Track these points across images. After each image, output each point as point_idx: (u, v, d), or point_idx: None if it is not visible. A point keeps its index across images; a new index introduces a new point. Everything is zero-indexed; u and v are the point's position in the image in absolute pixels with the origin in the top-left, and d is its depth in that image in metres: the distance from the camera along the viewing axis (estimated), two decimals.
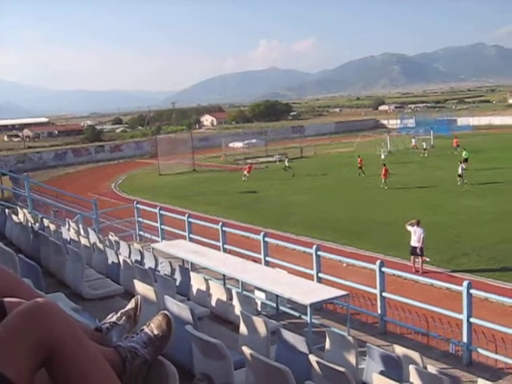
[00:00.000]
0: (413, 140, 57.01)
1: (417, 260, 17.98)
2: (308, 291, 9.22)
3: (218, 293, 8.50)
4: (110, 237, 13.82)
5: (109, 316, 2.48)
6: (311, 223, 25.83)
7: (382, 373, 5.35)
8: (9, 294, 2.08)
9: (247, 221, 26.57)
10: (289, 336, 5.43)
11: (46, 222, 11.89)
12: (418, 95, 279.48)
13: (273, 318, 9.07)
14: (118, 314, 2.46)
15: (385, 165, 35.07)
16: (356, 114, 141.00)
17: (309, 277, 11.32)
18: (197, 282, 8.93)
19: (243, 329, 5.65)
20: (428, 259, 18.38)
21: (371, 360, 6.16)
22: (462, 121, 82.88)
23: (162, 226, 16.98)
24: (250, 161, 51.14)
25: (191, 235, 15.55)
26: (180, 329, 3.86)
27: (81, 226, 13.90)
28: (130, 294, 6.70)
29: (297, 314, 10.34)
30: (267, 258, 12.90)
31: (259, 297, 10.66)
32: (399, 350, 6.68)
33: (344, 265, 17.07)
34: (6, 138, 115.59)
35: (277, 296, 9.73)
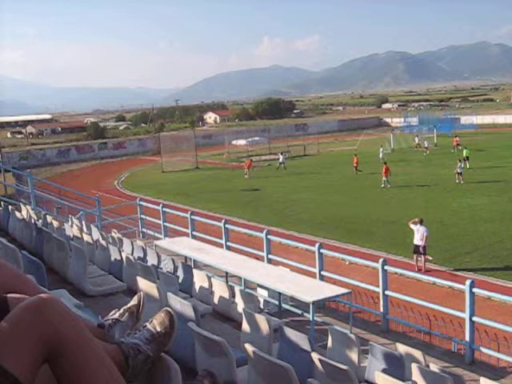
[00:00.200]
0: (416, 138, 57.00)
1: (419, 258, 17.96)
2: (310, 289, 9.22)
3: (220, 290, 8.51)
4: (113, 234, 13.83)
5: (111, 312, 2.48)
6: (314, 221, 25.82)
7: (384, 371, 5.34)
8: (12, 290, 2.08)
9: (250, 218, 26.58)
10: (291, 334, 5.42)
11: (49, 218, 11.90)
12: (421, 93, 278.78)
13: (275, 315, 9.06)
14: (121, 311, 2.46)
15: (385, 163, 35.05)
16: (359, 112, 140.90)
17: (311, 275, 11.33)
18: (199, 280, 8.94)
19: (246, 326, 5.65)
20: (431, 258, 18.36)
21: (373, 358, 6.15)
22: (465, 119, 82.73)
23: (165, 224, 17.00)
24: (246, 159, 50.75)
25: (194, 232, 15.56)
26: (183, 326, 3.86)
27: (84, 222, 13.92)
28: (132, 290, 6.72)
29: (299, 312, 10.34)
30: (270, 256, 12.90)
31: (262, 294, 10.65)
32: (402, 348, 6.68)
33: (347, 263, 17.07)
34: (9, 135, 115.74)
35: (279, 294, 9.72)
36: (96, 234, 11.60)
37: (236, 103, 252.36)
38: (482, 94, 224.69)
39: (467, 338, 9.12)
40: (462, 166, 34.23)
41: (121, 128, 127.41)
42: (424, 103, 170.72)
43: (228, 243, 14.27)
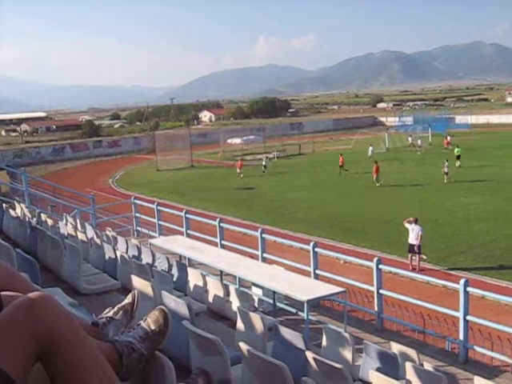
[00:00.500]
0: (409, 138, 57.18)
1: (414, 258, 18.01)
2: (305, 288, 9.22)
3: (215, 289, 8.50)
4: (108, 232, 13.80)
5: (105, 311, 2.47)
6: (309, 220, 25.85)
7: (378, 369, 5.35)
8: (6, 288, 2.07)
9: (245, 217, 26.60)
10: (286, 332, 5.43)
11: (43, 216, 11.88)
12: (416, 93, 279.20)
13: (270, 314, 9.07)
14: (115, 309, 2.45)
15: (376, 162, 35.17)
16: (354, 112, 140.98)
17: (306, 273, 11.33)
18: (194, 278, 8.92)
19: (240, 325, 5.65)
20: (425, 257, 18.41)
21: (368, 357, 6.16)
22: (460, 119, 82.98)
23: (160, 222, 16.98)
24: (240, 158, 50.49)
25: (189, 231, 15.55)
26: (177, 324, 3.86)
27: (78, 221, 13.88)
28: (127, 289, 6.70)
29: (294, 311, 10.35)
30: (264, 255, 12.90)
31: (256, 293, 10.65)
32: (396, 347, 6.69)
33: (341, 262, 17.09)
34: (3, 133, 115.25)
35: (274, 292, 9.72)
36: (90, 233, 11.58)
37: (231, 102, 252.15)
38: (476, 93, 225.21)
39: (461, 337, 9.15)
40: (448, 165, 34.36)
41: (116, 126, 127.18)
42: (419, 103, 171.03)
43: (223, 242, 14.27)
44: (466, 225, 23.07)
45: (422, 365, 5.97)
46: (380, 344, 7.42)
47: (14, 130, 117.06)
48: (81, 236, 9.77)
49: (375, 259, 10.63)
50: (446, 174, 33.69)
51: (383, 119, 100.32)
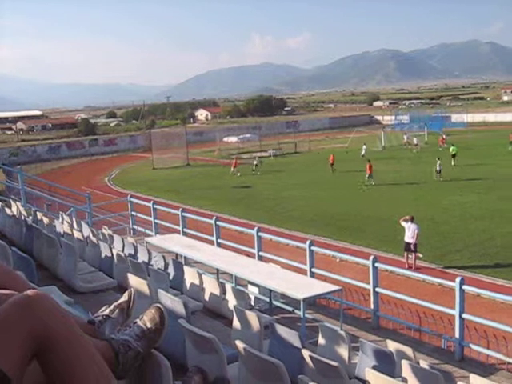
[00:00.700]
0: (404, 136, 57.25)
1: (410, 256, 18.04)
2: (301, 286, 9.23)
3: (211, 287, 8.50)
4: (104, 230, 13.77)
5: (102, 309, 2.47)
6: (305, 218, 25.86)
7: (374, 367, 5.35)
8: (2, 287, 2.07)
9: (241, 216, 26.59)
10: (282, 330, 5.43)
11: (39, 215, 11.85)
12: (412, 91, 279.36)
13: (266, 312, 9.07)
14: (111, 307, 2.45)
15: (369, 161, 35.18)
16: (350, 110, 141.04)
17: (302, 272, 11.34)
18: (190, 276, 8.92)
19: (236, 323, 5.65)
20: (421, 255, 18.43)
21: (364, 355, 6.17)
22: (456, 117, 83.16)
23: (156, 220, 16.96)
24: (233, 156, 50.25)
25: (185, 229, 15.54)
26: (173, 322, 3.85)
27: (74, 219, 13.87)
28: (123, 287, 6.70)
29: (290, 309, 10.35)
30: (261, 253, 12.90)
31: (252, 291, 10.66)
32: (392, 345, 6.70)
33: (337, 260, 17.09)
34: None
35: (270, 291, 9.73)
36: (86, 231, 11.56)
37: (227, 100, 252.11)
38: (472, 92, 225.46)
39: (457, 335, 9.16)
40: (441, 163, 34.41)
41: (112, 124, 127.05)
42: (415, 101, 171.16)
43: (219, 240, 14.26)
44: (462, 223, 23.12)
45: (418, 363, 5.98)
46: (376, 342, 7.42)
47: (10, 129, 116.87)
48: (77, 234, 9.76)
49: (371, 257, 10.63)
50: (439, 172, 33.79)
51: (379, 117, 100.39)
